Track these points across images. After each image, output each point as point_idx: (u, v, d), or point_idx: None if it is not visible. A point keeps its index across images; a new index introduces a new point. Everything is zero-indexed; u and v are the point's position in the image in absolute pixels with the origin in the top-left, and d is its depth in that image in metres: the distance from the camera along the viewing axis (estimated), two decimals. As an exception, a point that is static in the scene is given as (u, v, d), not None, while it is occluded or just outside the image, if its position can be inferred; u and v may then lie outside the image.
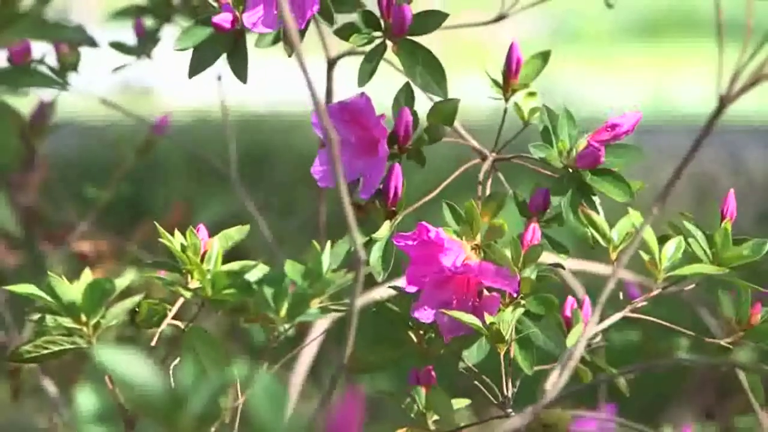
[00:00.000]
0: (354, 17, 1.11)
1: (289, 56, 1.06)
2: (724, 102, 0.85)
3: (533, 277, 1.06)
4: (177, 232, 1.02)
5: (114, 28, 1.71)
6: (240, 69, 1.13)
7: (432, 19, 1.10)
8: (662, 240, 1.05)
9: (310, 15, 1.08)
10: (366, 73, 1.11)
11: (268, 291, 0.94)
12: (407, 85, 1.11)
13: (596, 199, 1.10)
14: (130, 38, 1.60)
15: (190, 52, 1.13)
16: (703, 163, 3.79)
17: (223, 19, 1.10)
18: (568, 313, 1.15)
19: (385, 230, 1.09)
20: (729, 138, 3.95)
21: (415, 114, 1.10)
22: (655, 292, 1.06)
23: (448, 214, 1.08)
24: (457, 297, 1.06)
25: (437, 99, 1.12)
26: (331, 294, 0.97)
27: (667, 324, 1.09)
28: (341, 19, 1.12)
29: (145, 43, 1.59)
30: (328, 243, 0.98)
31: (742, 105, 0.90)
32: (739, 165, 4.00)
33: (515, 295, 1.06)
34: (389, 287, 1.12)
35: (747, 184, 3.87)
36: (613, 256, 1.06)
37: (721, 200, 1.10)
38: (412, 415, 1.10)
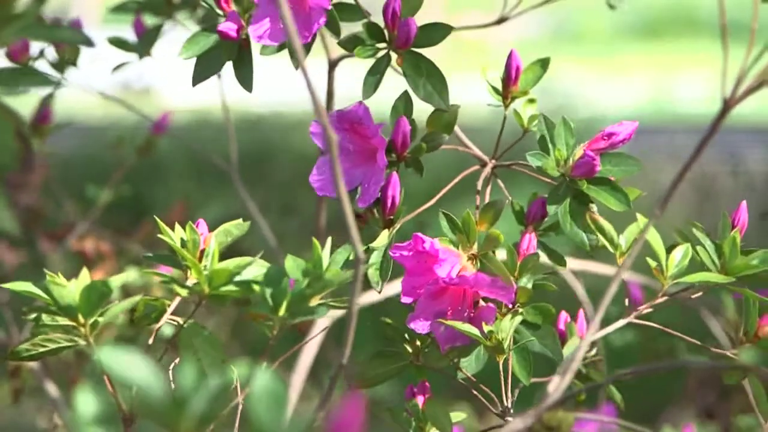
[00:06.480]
0: (359, 27, 1.10)
1: (296, 69, 1.05)
2: (728, 105, 0.85)
3: (530, 286, 1.06)
4: (177, 227, 1.02)
5: (114, 27, 1.70)
6: (246, 78, 1.13)
7: (437, 32, 1.10)
8: (669, 248, 1.05)
9: (316, 28, 1.08)
10: (370, 86, 1.11)
11: (267, 290, 0.94)
12: (405, 93, 1.11)
13: (593, 207, 1.09)
14: (130, 38, 1.59)
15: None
16: (703, 163, 3.78)
17: (229, 27, 1.10)
18: (562, 326, 1.14)
19: (382, 239, 1.08)
20: (729, 138, 3.95)
21: (413, 122, 1.10)
22: (660, 299, 1.05)
23: (445, 224, 1.08)
24: (453, 308, 1.05)
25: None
26: (331, 291, 0.97)
27: (672, 332, 1.09)
28: (345, 29, 1.11)
29: (146, 40, 1.57)
30: (329, 240, 0.97)
31: (742, 106, 0.89)
32: (739, 165, 4.00)
33: (511, 306, 1.05)
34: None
35: (747, 184, 3.87)
36: (620, 261, 1.05)
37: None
38: (411, 431, 1.08)
